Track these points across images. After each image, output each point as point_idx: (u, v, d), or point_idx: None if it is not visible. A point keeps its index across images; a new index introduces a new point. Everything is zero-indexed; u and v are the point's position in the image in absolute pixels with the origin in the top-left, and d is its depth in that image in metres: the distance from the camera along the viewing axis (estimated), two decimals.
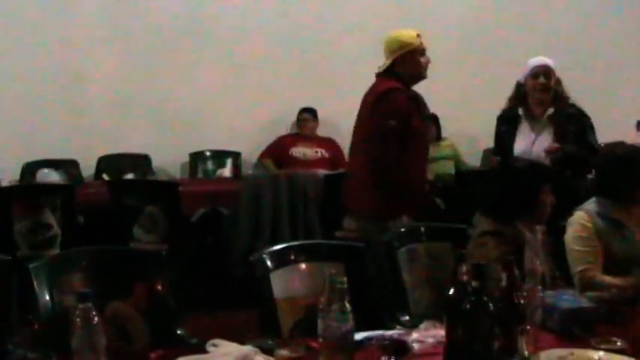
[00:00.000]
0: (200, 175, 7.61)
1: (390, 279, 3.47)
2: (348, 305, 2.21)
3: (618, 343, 2.46)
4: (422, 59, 4.79)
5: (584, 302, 2.75)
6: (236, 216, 5.95)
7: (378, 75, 4.93)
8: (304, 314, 3.03)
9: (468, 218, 5.27)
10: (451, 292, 2.26)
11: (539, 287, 2.52)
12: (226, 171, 7.62)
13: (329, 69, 8.01)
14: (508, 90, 5.34)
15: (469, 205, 5.52)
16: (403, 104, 4.68)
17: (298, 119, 7.77)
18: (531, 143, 5.10)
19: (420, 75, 4.82)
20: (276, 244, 5.66)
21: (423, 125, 4.89)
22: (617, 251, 3.57)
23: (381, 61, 6.98)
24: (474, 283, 2.11)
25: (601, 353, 2.38)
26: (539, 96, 5.11)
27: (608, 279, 3.41)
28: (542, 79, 5.07)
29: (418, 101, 4.83)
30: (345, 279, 2.22)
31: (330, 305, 2.24)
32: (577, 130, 5.01)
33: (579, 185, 4.91)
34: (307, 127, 7.70)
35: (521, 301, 2.26)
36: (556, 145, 4.99)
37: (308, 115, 7.73)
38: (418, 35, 4.82)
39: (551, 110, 5.07)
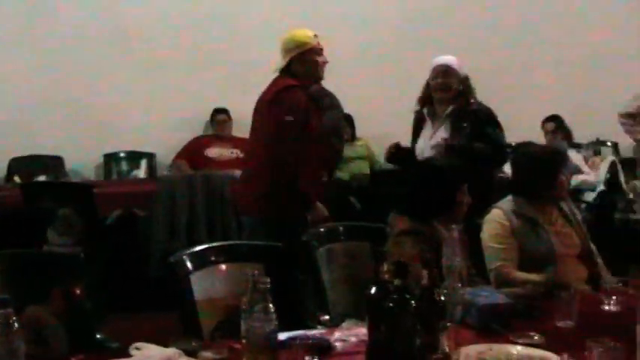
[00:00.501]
0: (114, 176, 7.53)
1: (310, 279, 3.48)
2: (271, 306, 2.22)
3: (535, 338, 2.53)
4: (319, 59, 4.81)
5: (502, 298, 2.81)
6: (152, 217, 5.89)
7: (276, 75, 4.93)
8: (225, 315, 3.03)
9: (383, 218, 5.36)
10: (372, 290, 2.29)
11: (459, 284, 2.57)
12: (141, 172, 7.55)
13: (243, 69, 7.96)
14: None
15: (384, 204, 5.63)
16: (301, 101, 4.69)
17: (212, 120, 7.74)
18: (428, 140, 5.08)
19: (316, 75, 4.85)
20: (193, 245, 5.71)
21: (322, 125, 4.93)
22: (532, 248, 3.66)
23: None
24: (396, 282, 2.14)
25: (519, 348, 2.44)
26: (439, 95, 5.06)
27: (522, 275, 3.50)
28: (440, 79, 5.02)
29: (317, 101, 4.86)
30: (268, 279, 2.23)
31: (253, 306, 2.24)
32: (472, 127, 4.94)
33: (489, 182, 4.95)
34: (222, 127, 7.68)
35: (442, 299, 2.30)
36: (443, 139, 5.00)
37: (222, 115, 7.71)
38: (315, 35, 4.85)
39: (450, 108, 5.02)
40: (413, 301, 2.14)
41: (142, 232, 5.94)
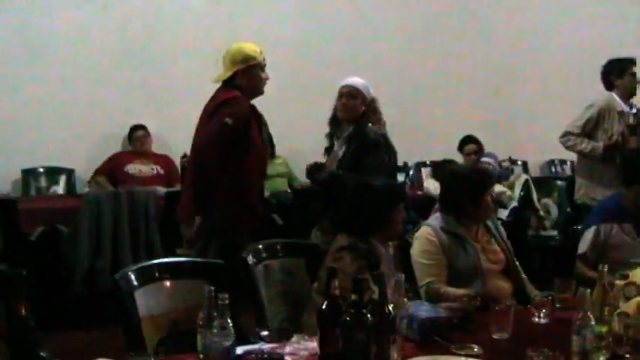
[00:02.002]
0: (33, 192, 7.38)
1: (249, 295, 3.54)
2: (229, 321, 2.29)
3: (475, 349, 2.65)
4: (262, 75, 4.88)
5: (440, 312, 2.93)
6: (76, 234, 5.84)
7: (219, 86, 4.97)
8: (167, 331, 3.07)
9: (304, 234, 5.46)
10: (324, 305, 2.38)
11: (404, 299, 2.68)
12: (59, 188, 7.47)
13: (162, 85, 7.99)
14: None
15: (305, 220, 5.73)
16: (245, 109, 4.74)
17: (131, 136, 7.69)
18: (331, 160, 5.22)
19: (258, 90, 4.90)
20: (118, 263, 5.71)
21: (261, 139, 4.95)
22: (459, 264, 3.80)
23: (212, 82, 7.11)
24: (353, 296, 2.23)
25: (462, 359, 2.56)
26: (341, 115, 5.17)
27: (452, 290, 3.63)
28: (344, 99, 5.12)
29: (259, 116, 4.92)
30: (227, 295, 2.30)
31: (210, 321, 2.31)
32: (354, 152, 5.03)
33: None
34: (141, 143, 7.62)
35: (392, 313, 2.39)
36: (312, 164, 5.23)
37: (141, 131, 7.66)
38: (261, 51, 4.91)
39: (349, 129, 5.12)
40: (368, 316, 2.23)
41: (65, 249, 5.88)
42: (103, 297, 5.67)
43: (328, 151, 5.35)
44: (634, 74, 6.24)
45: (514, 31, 9.62)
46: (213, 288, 2.35)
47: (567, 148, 6.47)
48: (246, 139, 4.73)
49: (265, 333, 3.34)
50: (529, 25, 9.70)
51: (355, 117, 5.12)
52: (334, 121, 5.25)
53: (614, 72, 6.29)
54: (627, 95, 6.29)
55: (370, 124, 5.08)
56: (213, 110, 4.77)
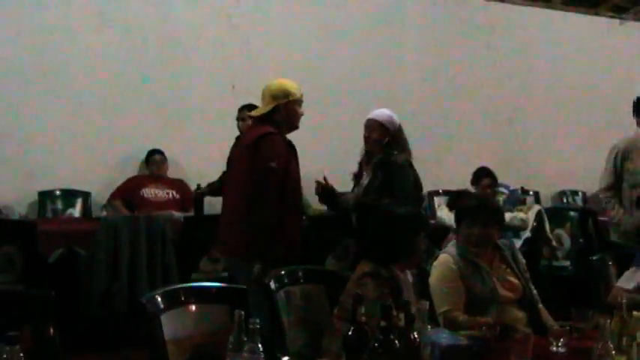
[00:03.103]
0: (49, 214, 7.45)
1: (269, 320, 3.59)
2: (260, 346, 2.34)
3: None
4: (300, 110, 4.98)
5: (461, 340, 2.97)
6: (93, 257, 5.89)
7: (253, 119, 5.09)
8: (191, 355, 3.12)
9: (318, 261, 5.52)
10: (350, 332, 2.43)
11: (428, 326, 2.72)
12: (76, 211, 7.53)
13: (178, 111, 8.08)
14: None
15: (319, 248, 5.78)
16: (282, 148, 4.83)
17: (148, 160, 7.77)
18: (359, 189, 5.37)
19: (294, 125, 5.00)
20: (134, 286, 5.77)
21: (298, 172, 5.04)
22: (477, 292, 3.86)
23: (229, 106, 7.22)
24: (382, 323, 2.28)
25: None
26: (366, 147, 5.39)
27: (469, 318, 3.68)
28: (366, 133, 5.34)
29: (295, 150, 5.00)
30: (258, 320, 2.35)
31: (240, 345, 2.36)
32: (382, 180, 5.19)
33: None
34: (157, 168, 7.69)
35: (417, 339, 2.45)
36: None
37: (158, 156, 7.73)
38: (299, 87, 5.00)
39: (375, 159, 5.28)
40: (396, 342, 2.29)
41: (83, 271, 5.93)
42: (120, 319, 5.75)
43: (357, 178, 5.49)
44: None
45: (527, 63, 9.74)
46: (243, 312, 2.39)
47: (604, 205, 6.36)
48: (285, 176, 4.82)
49: (286, 358, 3.40)
50: (542, 58, 9.81)
51: (378, 148, 5.29)
52: (366, 151, 5.43)
53: (636, 110, 6.15)
54: None
55: (396, 153, 5.23)
56: (251, 148, 4.82)
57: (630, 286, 4.29)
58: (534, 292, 4.12)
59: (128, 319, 5.58)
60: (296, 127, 5.03)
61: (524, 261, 4.24)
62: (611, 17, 10.49)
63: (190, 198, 7.40)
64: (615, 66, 10.11)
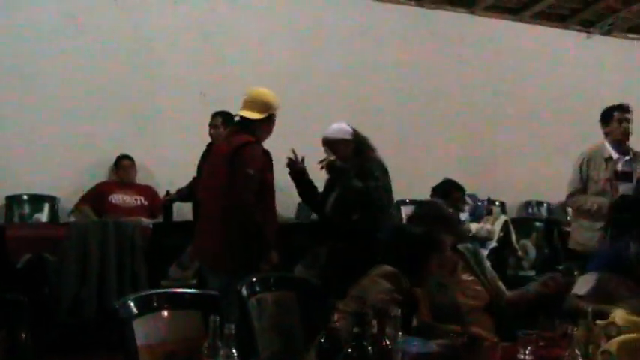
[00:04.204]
0: (16, 219, 7.40)
1: (242, 326, 3.60)
2: (234, 351, 2.36)
3: None
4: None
5: (431, 347, 3.01)
6: (62, 262, 5.86)
7: (231, 126, 5.18)
8: None
9: (287, 269, 5.55)
10: (323, 338, 2.46)
11: (399, 333, 2.76)
12: (43, 216, 7.49)
13: (149, 117, 8.06)
14: None
15: (288, 255, 5.81)
16: (260, 157, 4.87)
17: (117, 166, 7.75)
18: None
19: (268, 136, 5.06)
20: (103, 292, 5.75)
21: (273, 181, 5.08)
22: (438, 304, 3.84)
23: (199, 113, 7.21)
24: (355, 329, 2.32)
25: None
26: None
27: (439, 327, 3.70)
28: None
29: (271, 159, 5.03)
30: (233, 325, 2.37)
31: (215, 350, 2.37)
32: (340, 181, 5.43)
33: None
34: (126, 173, 7.69)
35: (390, 346, 2.48)
36: None
37: (127, 162, 7.73)
38: None
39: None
40: (369, 348, 2.32)
41: (51, 277, 5.89)
42: (90, 325, 5.73)
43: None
44: (620, 120, 6.29)
45: (497, 75, 9.84)
46: (218, 317, 2.41)
47: (576, 209, 6.49)
48: (262, 182, 4.87)
49: None
50: (511, 70, 9.92)
51: (346, 159, 5.43)
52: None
53: (602, 120, 6.34)
54: (617, 142, 6.30)
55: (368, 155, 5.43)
56: (230, 156, 4.86)
57: (583, 291, 4.35)
58: (502, 287, 4.15)
59: (98, 325, 5.57)
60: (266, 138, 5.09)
61: (488, 264, 4.25)
62: (579, 31, 10.64)
63: (159, 204, 7.39)
64: (583, 79, 10.24)
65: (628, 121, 6.26)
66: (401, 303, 3.26)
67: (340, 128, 5.49)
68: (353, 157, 5.44)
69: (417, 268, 3.68)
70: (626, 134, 6.26)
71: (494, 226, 7.21)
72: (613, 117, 6.27)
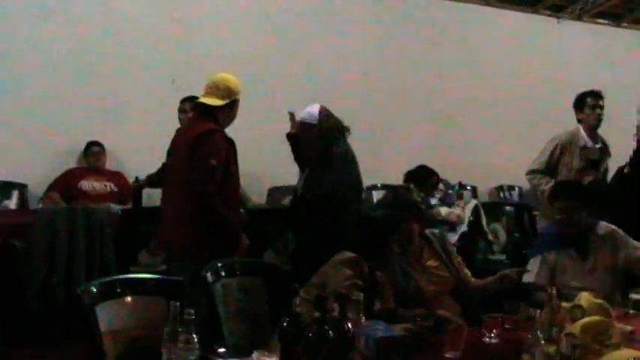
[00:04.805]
0: None
1: (207, 312, 3.59)
2: (194, 336, 2.35)
3: None
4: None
5: (396, 331, 3.01)
6: (30, 249, 5.80)
7: (195, 110, 5.12)
8: (127, 347, 3.11)
9: (257, 255, 5.54)
10: (286, 323, 2.45)
11: (362, 317, 2.76)
12: (12, 203, 7.40)
13: (119, 103, 8.00)
14: None
15: (258, 242, 5.80)
16: (223, 146, 4.83)
17: (86, 152, 7.70)
18: None
19: (231, 122, 5.03)
20: (72, 279, 5.70)
21: (237, 169, 5.05)
22: (403, 289, 3.85)
23: (169, 99, 7.16)
24: (315, 314, 2.31)
25: None
26: None
27: (405, 311, 3.71)
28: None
29: (235, 146, 4.99)
30: (193, 311, 2.36)
31: (175, 335, 2.37)
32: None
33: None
34: (96, 160, 7.63)
35: (351, 330, 2.48)
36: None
37: (97, 148, 7.67)
38: None
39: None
40: (330, 332, 2.31)
41: (19, 264, 5.84)
42: (57, 313, 5.68)
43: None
44: (593, 107, 6.33)
45: (467, 60, 9.86)
46: (178, 303, 2.40)
47: (532, 186, 6.54)
48: (225, 172, 4.84)
49: (222, 350, 3.41)
50: (481, 55, 9.95)
51: (309, 142, 5.45)
52: None
53: (575, 106, 6.39)
54: (591, 128, 6.37)
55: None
56: (192, 145, 4.83)
57: (532, 277, 4.40)
58: (467, 273, 4.17)
59: (67, 312, 5.53)
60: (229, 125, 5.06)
61: (454, 249, 4.26)
62: (549, 16, 10.67)
63: (129, 190, 7.33)
64: (553, 64, 10.29)
65: (601, 107, 6.30)
66: (362, 288, 3.26)
67: (309, 111, 5.45)
68: (316, 143, 5.40)
69: (378, 251, 3.69)
70: (599, 120, 6.31)
71: (464, 211, 7.23)
72: (586, 103, 6.31)
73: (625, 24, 11.25)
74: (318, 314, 2.31)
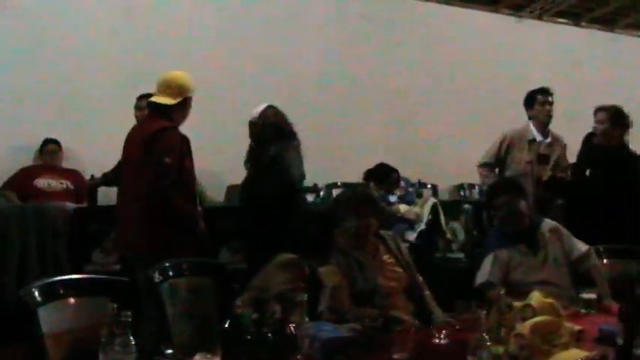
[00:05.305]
0: None
1: (154, 313, 3.54)
2: (131, 338, 2.30)
3: None
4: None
5: (343, 332, 2.98)
6: None
7: (150, 109, 5.03)
8: (71, 349, 3.05)
9: (213, 253, 5.48)
10: (227, 324, 2.41)
11: (306, 319, 2.71)
12: None
13: (75, 100, 7.91)
14: None
15: (214, 240, 5.75)
16: (177, 143, 4.77)
17: (42, 150, 7.59)
18: None
19: (184, 120, 4.96)
20: (24, 279, 5.61)
21: (192, 164, 4.99)
22: (360, 284, 3.85)
23: (127, 96, 7.08)
24: (254, 316, 2.27)
25: None
26: None
27: (355, 311, 3.68)
28: None
29: (189, 143, 4.94)
30: (130, 313, 2.31)
31: (112, 338, 2.31)
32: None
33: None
34: (51, 157, 7.53)
35: (294, 332, 2.44)
36: None
37: (53, 145, 7.57)
38: None
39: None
40: (269, 334, 2.27)
41: None
42: (8, 313, 5.58)
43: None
44: (543, 103, 6.40)
45: (427, 58, 9.86)
46: (115, 305, 2.35)
47: (481, 178, 6.60)
48: (179, 167, 4.80)
49: (169, 351, 3.36)
50: (442, 53, 9.95)
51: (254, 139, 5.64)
52: None
53: (526, 103, 6.49)
54: (541, 124, 6.44)
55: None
56: (146, 143, 4.78)
57: (484, 278, 4.41)
58: (420, 279, 4.16)
59: (18, 313, 5.43)
60: (182, 123, 5.00)
61: (407, 251, 4.27)
62: (510, 15, 10.71)
63: (85, 189, 7.25)
64: (513, 62, 10.32)
65: (550, 103, 6.41)
66: (304, 289, 3.23)
67: (255, 110, 5.58)
68: (257, 140, 5.55)
69: (321, 247, 3.66)
70: (549, 116, 6.38)
71: (422, 209, 7.22)
72: (536, 100, 6.42)
73: (584, 23, 11.32)
74: (257, 316, 2.27)
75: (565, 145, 6.55)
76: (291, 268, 3.50)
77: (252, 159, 5.51)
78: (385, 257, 4.08)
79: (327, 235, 3.75)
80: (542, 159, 6.34)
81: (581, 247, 4.57)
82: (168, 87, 4.89)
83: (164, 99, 4.89)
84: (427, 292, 4.12)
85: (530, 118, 6.48)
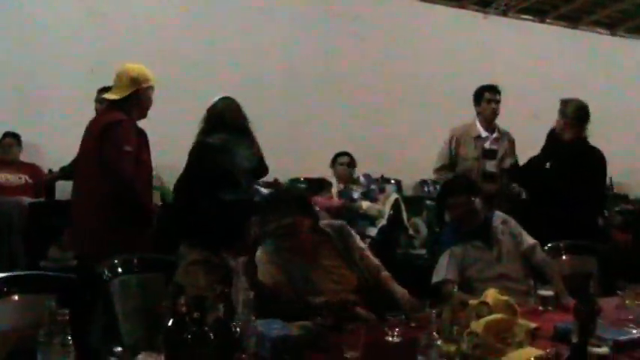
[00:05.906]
0: None
1: (103, 311, 3.47)
2: (69, 337, 2.24)
3: None
4: (152, 98, 4.90)
5: (292, 330, 2.93)
6: None
7: (107, 102, 4.95)
8: (15, 348, 2.98)
9: (173, 249, 5.41)
10: (170, 323, 2.35)
11: (252, 317, 2.66)
12: None
13: (35, 94, 7.82)
14: None
15: (175, 235, 5.67)
16: (132, 135, 4.69)
17: (0, 143, 7.49)
18: None
19: (145, 113, 4.91)
20: None
21: (149, 158, 4.92)
22: (301, 285, 3.77)
23: (87, 89, 6.99)
24: (195, 315, 2.21)
25: None
26: None
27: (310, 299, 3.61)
28: None
29: (146, 136, 4.87)
30: (67, 311, 2.24)
31: (51, 337, 2.25)
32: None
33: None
34: (8, 151, 7.44)
35: (238, 330, 2.38)
36: None
37: (10, 139, 7.48)
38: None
39: None
40: (211, 334, 2.21)
41: None
42: None
43: None
44: (489, 100, 6.44)
45: (393, 53, 9.83)
46: (54, 303, 2.28)
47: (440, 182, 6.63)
48: (136, 160, 4.70)
49: (119, 349, 3.29)
50: (407, 48, 9.93)
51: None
52: None
53: (474, 99, 6.54)
54: (487, 120, 6.48)
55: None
56: (101, 133, 4.68)
57: (441, 275, 4.39)
58: (376, 262, 4.04)
59: None
60: (144, 116, 4.92)
61: (360, 245, 4.10)
62: (476, 11, 10.71)
63: (44, 183, 7.17)
64: (478, 59, 10.30)
65: (497, 102, 6.48)
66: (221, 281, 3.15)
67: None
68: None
69: (236, 236, 3.58)
70: (494, 114, 6.43)
71: (384, 205, 7.19)
72: (483, 97, 6.47)
73: (549, 20, 11.35)
74: (197, 315, 2.21)
75: (513, 140, 6.57)
76: (203, 270, 3.42)
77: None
78: (328, 261, 3.89)
79: (238, 223, 3.64)
80: (489, 154, 6.37)
81: (529, 239, 4.59)
82: (120, 80, 4.83)
83: (114, 94, 4.83)
84: (384, 273, 3.99)
85: (477, 114, 6.51)
